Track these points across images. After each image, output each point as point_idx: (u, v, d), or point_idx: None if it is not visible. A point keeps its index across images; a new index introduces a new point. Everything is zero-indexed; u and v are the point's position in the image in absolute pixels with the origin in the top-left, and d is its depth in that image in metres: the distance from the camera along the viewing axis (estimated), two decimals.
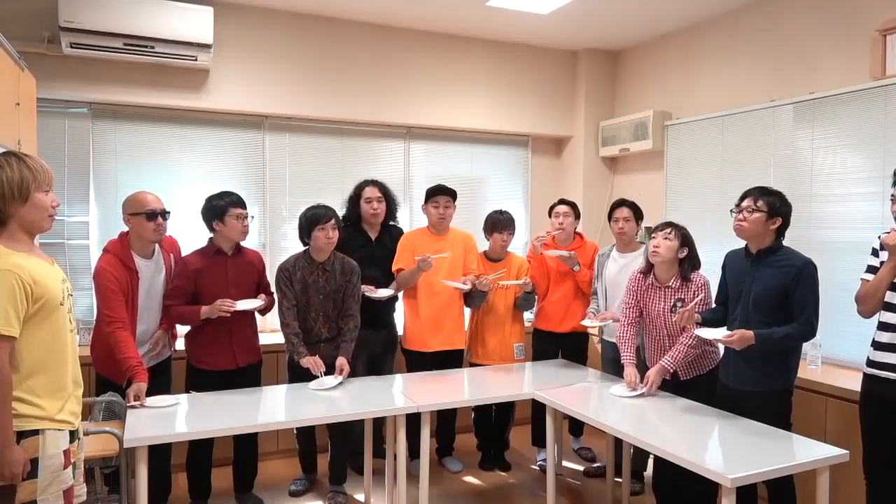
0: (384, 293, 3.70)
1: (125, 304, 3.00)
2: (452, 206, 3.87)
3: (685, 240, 3.12)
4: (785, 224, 2.80)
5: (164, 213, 3.12)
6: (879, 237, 2.63)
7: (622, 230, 3.67)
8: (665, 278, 3.14)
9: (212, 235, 3.34)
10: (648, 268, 3.20)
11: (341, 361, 3.34)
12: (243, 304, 3.23)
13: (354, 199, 3.90)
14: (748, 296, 2.81)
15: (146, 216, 3.05)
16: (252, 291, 3.38)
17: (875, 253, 2.68)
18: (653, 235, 3.15)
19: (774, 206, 2.77)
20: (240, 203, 3.31)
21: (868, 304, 2.63)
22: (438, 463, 4.09)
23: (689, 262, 3.12)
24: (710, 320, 2.99)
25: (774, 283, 2.73)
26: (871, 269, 2.66)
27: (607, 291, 3.73)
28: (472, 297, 3.83)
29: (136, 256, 3.10)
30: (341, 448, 3.61)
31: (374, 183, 3.90)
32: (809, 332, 2.70)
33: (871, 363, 2.64)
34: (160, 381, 3.26)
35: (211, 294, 3.22)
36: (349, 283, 3.48)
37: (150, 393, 3.02)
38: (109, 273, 2.97)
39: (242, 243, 3.42)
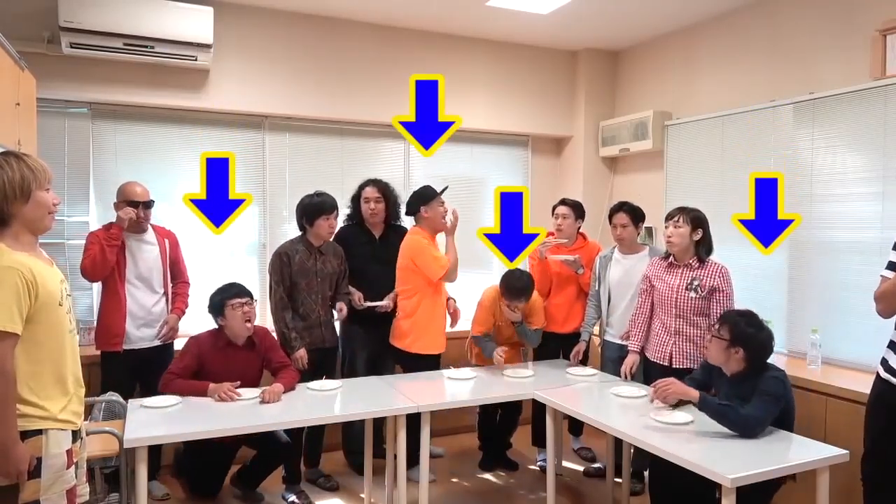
0: (383, 305, 3.74)
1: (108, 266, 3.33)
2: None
3: (697, 222, 3.21)
4: (751, 350, 2.69)
5: (148, 204, 3.45)
6: None
7: (620, 236, 3.69)
8: (683, 259, 3.25)
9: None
10: (668, 253, 3.33)
11: (341, 304, 3.64)
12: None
13: (357, 198, 3.93)
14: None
15: (129, 205, 3.37)
16: (256, 380, 3.36)
17: None
18: (665, 225, 3.27)
19: (739, 336, 2.69)
20: (240, 293, 3.27)
21: (887, 302, 2.47)
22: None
23: (703, 245, 3.22)
24: (703, 384, 2.93)
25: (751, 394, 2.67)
26: (892, 266, 2.50)
27: (611, 295, 3.73)
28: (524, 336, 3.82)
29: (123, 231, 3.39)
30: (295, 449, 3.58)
31: (375, 183, 3.90)
32: (752, 425, 2.55)
33: (889, 368, 2.51)
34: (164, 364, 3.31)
35: (212, 380, 3.16)
36: (342, 268, 3.73)
37: (156, 372, 3.23)
38: (93, 234, 3.39)
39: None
